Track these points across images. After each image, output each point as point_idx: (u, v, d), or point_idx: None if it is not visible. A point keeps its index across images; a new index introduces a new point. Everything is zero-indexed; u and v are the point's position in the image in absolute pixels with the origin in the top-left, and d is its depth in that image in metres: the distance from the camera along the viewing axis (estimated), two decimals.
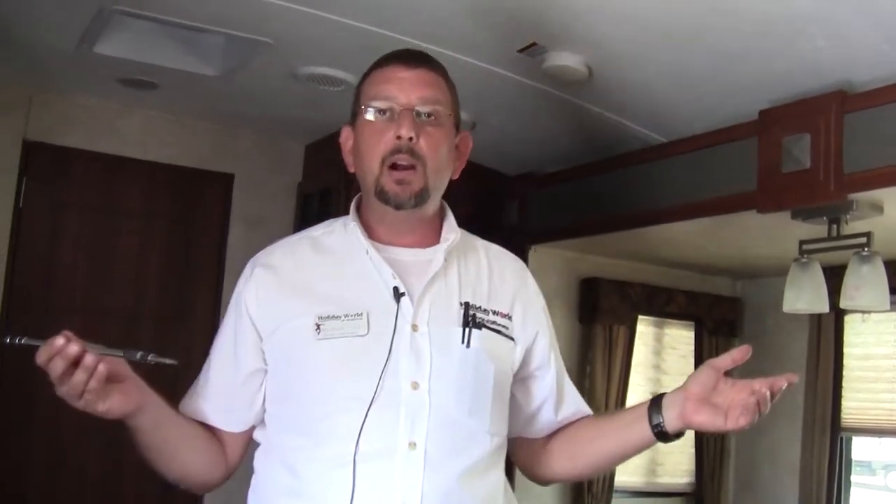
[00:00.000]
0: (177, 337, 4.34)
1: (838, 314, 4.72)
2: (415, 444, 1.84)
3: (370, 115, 1.96)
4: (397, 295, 1.92)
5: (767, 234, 3.84)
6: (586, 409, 2.17)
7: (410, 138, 1.92)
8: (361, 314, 1.91)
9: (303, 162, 4.76)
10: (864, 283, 3.26)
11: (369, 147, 1.95)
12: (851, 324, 4.89)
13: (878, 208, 3.22)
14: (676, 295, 5.36)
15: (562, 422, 2.14)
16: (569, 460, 2.13)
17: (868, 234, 3.25)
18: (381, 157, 1.93)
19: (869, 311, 3.89)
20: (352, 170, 2.04)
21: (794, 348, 5.10)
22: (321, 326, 1.90)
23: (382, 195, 1.94)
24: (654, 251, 4.71)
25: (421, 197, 1.95)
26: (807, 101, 3.14)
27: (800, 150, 3.14)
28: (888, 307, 3.32)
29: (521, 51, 3.19)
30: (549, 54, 3.19)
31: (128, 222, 4.35)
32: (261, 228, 4.57)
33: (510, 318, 2.05)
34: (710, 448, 5.46)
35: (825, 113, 3.07)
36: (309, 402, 1.89)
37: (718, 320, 5.51)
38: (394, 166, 1.93)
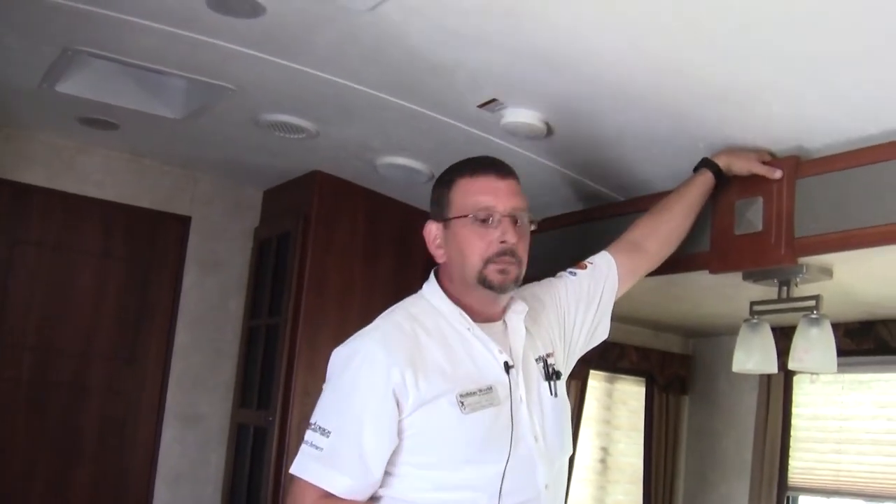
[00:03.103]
0: (127, 379, 4.32)
1: (788, 374, 4.77)
2: (548, 486, 2.35)
3: (472, 222, 2.37)
4: (507, 368, 2.35)
5: (719, 293, 3.88)
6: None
7: (514, 243, 2.36)
8: (491, 387, 2.31)
9: (260, 207, 4.75)
10: (812, 346, 3.29)
11: (473, 248, 2.37)
12: (800, 384, 4.95)
13: (827, 272, 3.26)
14: (629, 350, 5.40)
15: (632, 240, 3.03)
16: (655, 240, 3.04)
17: (817, 298, 3.29)
18: (487, 257, 2.36)
19: (817, 373, 3.94)
20: (441, 260, 2.46)
21: (744, 407, 5.15)
22: (464, 403, 2.25)
23: (487, 283, 2.36)
24: (621, 309, 4.74)
25: (516, 283, 2.41)
26: None
27: (752, 213, 3.18)
28: (835, 370, 3.35)
29: (480, 106, 3.22)
30: (508, 110, 3.22)
31: (84, 261, 4.35)
32: (216, 273, 4.58)
33: (554, 351, 2.57)
34: (657, 502, 5.47)
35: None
36: (455, 464, 2.25)
37: (670, 376, 5.55)
38: (494, 262, 2.36)
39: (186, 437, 4.48)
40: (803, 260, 3.13)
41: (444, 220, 2.44)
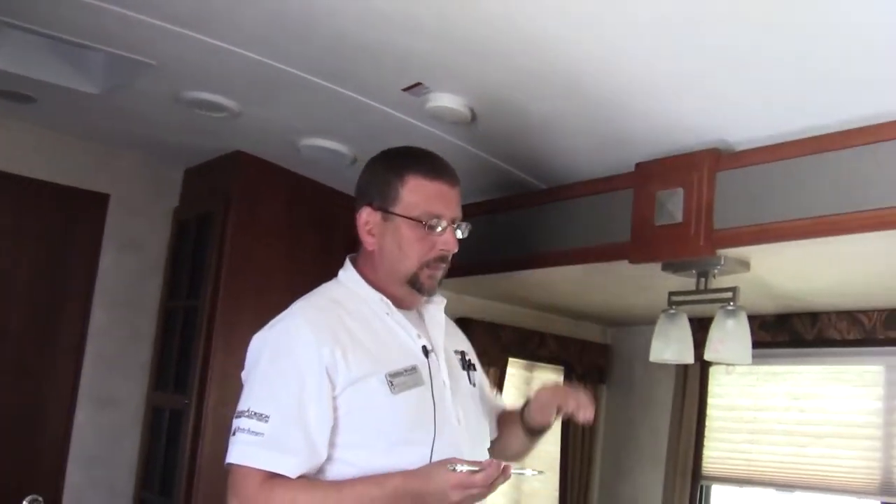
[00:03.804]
0: (40, 361, 4.23)
1: (704, 365, 4.83)
2: (460, 420, 2.37)
3: (423, 227, 2.36)
4: (426, 352, 2.37)
5: (638, 284, 3.92)
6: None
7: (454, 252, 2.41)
8: (415, 367, 2.34)
9: (181, 186, 4.69)
10: (728, 337, 3.34)
11: (414, 250, 2.38)
12: (716, 375, 5.01)
13: (745, 264, 3.31)
14: (548, 339, 5.41)
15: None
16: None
17: (734, 289, 3.34)
18: (426, 262, 2.38)
19: (732, 364, 3.99)
20: (370, 248, 2.42)
21: (660, 396, 5.20)
22: (393, 382, 2.27)
23: (417, 286, 2.40)
24: (528, 295, 4.76)
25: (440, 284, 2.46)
26: (682, 156, 3.23)
27: (673, 205, 3.21)
28: (750, 361, 3.40)
29: (405, 90, 3.21)
30: (433, 95, 3.22)
31: None
32: (134, 252, 4.50)
33: (466, 351, 2.61)
34: (573, 490, 5.51)
35: (699, 170, 3.16)
36: (385, 445, 2.25)
37: (588, 365, 5.58)
38: (430, 266, 2.39)
39: (100, 420, 4.39)
40: (722, 252, 3.17)
41: (387, 211, 2.39)
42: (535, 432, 2.61)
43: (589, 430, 5.54)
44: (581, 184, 3.66)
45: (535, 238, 3.83)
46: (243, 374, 2.33)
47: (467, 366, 2.55)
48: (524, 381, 5.54)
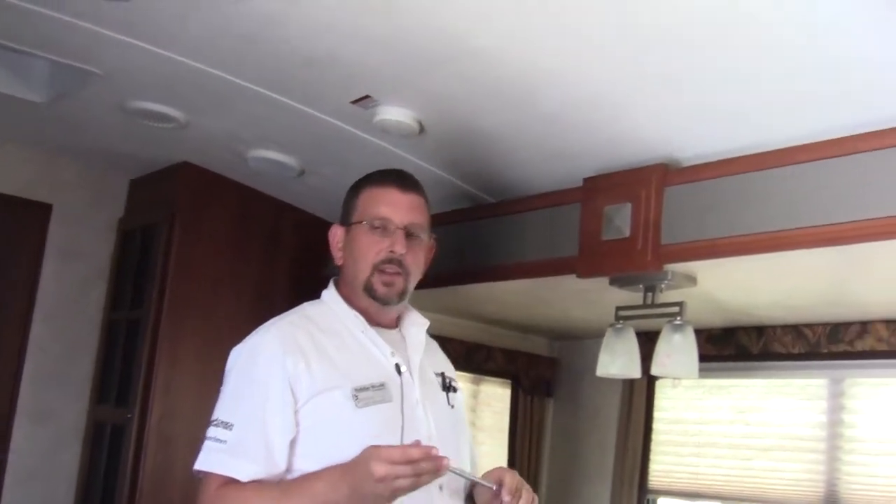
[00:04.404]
0: None
1: (650, 379, 4.83)
2: (441, 487, 2.32)
3: (368, 229, 2.44)
4: (399, 370, 2.39)
5: (586, 298, 3.92)
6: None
7: (401, 254, 2.42)
8: (384, 384, 2.34)
9: (126, 196, 4.63)
10: (675, 352, 3.34)
11: (364, 254, 2.43)
12: (662, 388, 5.02)
13: (691, 279, 3.32)
14: (495, 352, 5.39)
15: None
16: None
17: (681, 304, 3.34)
18: (374, 264, 2.42)
19: (679, 378, 4.00)
20: (339, 262, 2.53)
21: (607, 409, 5.21)
22: (358, 397, 2.28)
23: (371, 293, 2.43)
24: (475, 308, 4.75)
25: (402, 297, 2.47)
26: (630, 171, 3.24)
27: (621, 219, 3.22)
28: (697, 375, 3.41)
29: (354, 102, 3.19)
30: (382, 108, 3.20)
31: None
32: (77, 263, 4.44)
33: (445, 372, 2.60)
34: None
35: (646, 185, 3.17)
36: (347, 458, 2.15)
37: (535, 379, 5.57)
38: (382, 270, 2.42)
39: (39, 435, 4.31)
40: (669, 267, 3.18)
41: (347, 224, 2.51)
42: None
43: (536, 444, 5.53)
44: (529, 198, 3.66)
45: (483, 252, 3.82)
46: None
47: (447, 387, 2.57)
48: (471, 394, 5.52)
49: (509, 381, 5.59)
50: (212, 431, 2.26)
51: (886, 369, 4.07)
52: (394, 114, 3.20)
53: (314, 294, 2.58)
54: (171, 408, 4.04)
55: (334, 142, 3.54)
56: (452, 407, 2.56)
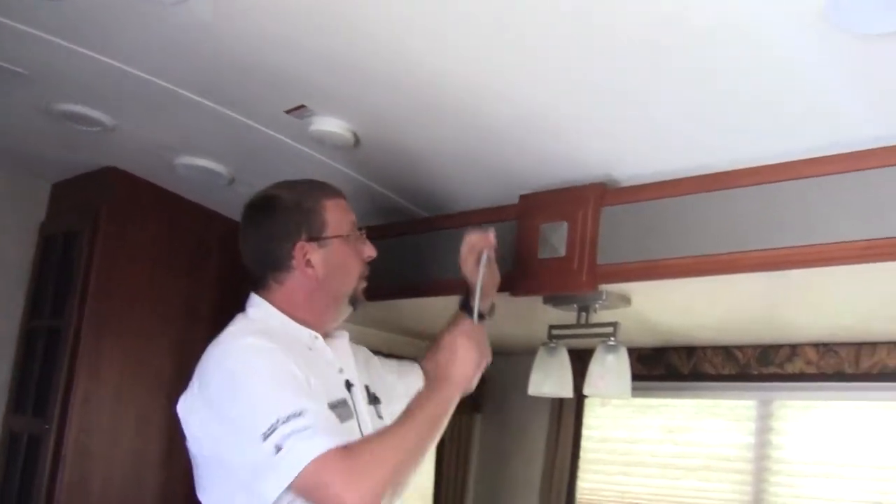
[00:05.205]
0: None
1: (580, 396, 4.82)
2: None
3: (349, 240, 2.51)
4: (349, 385, 2.43)
5: (518, 315, 3.87)
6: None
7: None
8: (345, 400, 2.37)
9: (48, 201, 4.49)
10: (608, 373, 3.32)
11: (354, 265, 2.53)
12: (592, 407, 5.01)
13: (626, 300, 3.30)
14: None
15: None
16: None
17: (615, 325, 3.32)
18: (360, 272, 2.54)
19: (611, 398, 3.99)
20: (314, 280, 2.45)
21: (535, 426, 5.18)
22: (335, 411, 2.26)
23: (355, 301, 2.54)
24: (405, 323, 4.69)
25: None
26: (567, 190, 3.21)
27: (557, 238, 3.18)
28: (630, 396, 3.40)
29: (289, 112, 3.13)
30: (317, 118, 3.14)
31: None
32: None
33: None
34: None
35: (584, 204, 3.13)
36: None
37: (463, 396, 5.52)
38: (363, 276, 2.55)
39: None
40: (604, 287, 3.16)
41: (320, 238, 2.46)
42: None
43: (463, 460, 5.49)
44: (464, 213, 3.61)
45: (415, 267, 3.76)
46: (214, 398, 2.24)
47: (371, 399, 2.57)
48: None
49: None
50: (286, 429, 2.09)
51: (814, 392, 4.10)
52: (329, 125, 3.14)
53: (242, 306, 2.51)
54: (90, 421, 3.92)
55: (266, 151, 3.46)
56: (381, 418, 2.55)
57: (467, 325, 2.72)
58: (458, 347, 2.58)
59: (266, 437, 2.09)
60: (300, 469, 2.07)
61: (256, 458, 2.10)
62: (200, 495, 2.33)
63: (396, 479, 2.18)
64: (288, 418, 2.11)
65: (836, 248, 2.54)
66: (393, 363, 2.88)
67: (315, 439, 2.09)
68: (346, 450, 2.11)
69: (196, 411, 2.28)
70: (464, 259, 2.85)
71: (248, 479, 2.14)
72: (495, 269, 2.90)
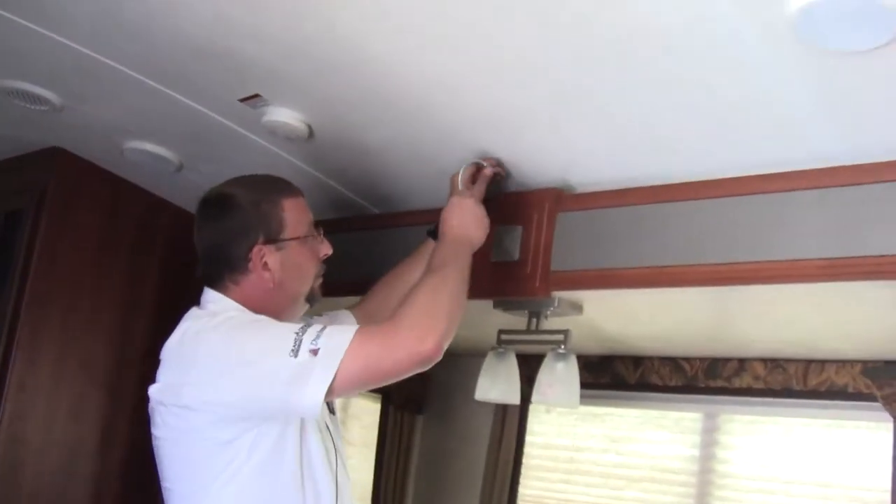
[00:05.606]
0: None
1: (524, 402, 4.79)
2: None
3: (312, 241, 2.54)
4: None
5: (466, 317, 3.82)
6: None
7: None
8: None
9: None
10: (557, 381, 3.28)
11: (311, 266, 2.54)
12: (536, 413, 4.99)
13: (578, 308, 3.27)
14: None
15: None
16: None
17: (566, 333, 3.28)
18: (317, 272, 2.57)
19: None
20: (268, 284, 2.43)
21: (478, 430, 5.14)
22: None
23: (313, 298, 2.58)
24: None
25: None
26: (522, 193, 3.16)
27: (511, 242, 3.14)
28: (578, 405, 3.36)
29: (242, 100, 3.06)
30: (271, 108, 3.07)
31: None
32: None
33: None
34: None
35: (539, 208, 3.10)
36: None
37: (406, 395, 5.48)
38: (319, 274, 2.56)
39: None
40: (556, 294, 3.12)
41: (278, 240, 2.45)
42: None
43: (404, 461, 5.44)
44: (416, 212, 3.56)
45: (363, 264, 3.70)
46: (219, 356, 2.22)
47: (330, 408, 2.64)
48: (342, 407, 5.41)
49: (379, 397, 5.49)
50: (311, 335, 2.13)
51: (761, 407, 4.10)
52: (283, 115, 3.08)
53: (188, 294, 2.45)
54: (24, 408, 3.80)
55: (218, 138, 3.39)
56: (334, 413, 2.69)
57: (454, 197, 2.81)
58: (453, 207, 2.76)
59: (296, 352, 2.10)
60: (343, 351, 2.10)
61: (293, 373, 2.09)
62: (192, 473, 2.32)
63: (448, 322, 2.41)
64: (303, 329, 2.14)
65: (794, 265, 2.52)
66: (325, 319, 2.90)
67: (344, 330, 2.16)
68: (379, 324, 2.24)
69: (187, 385, 2.23)
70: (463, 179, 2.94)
71: (281, 407, 2.15)
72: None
